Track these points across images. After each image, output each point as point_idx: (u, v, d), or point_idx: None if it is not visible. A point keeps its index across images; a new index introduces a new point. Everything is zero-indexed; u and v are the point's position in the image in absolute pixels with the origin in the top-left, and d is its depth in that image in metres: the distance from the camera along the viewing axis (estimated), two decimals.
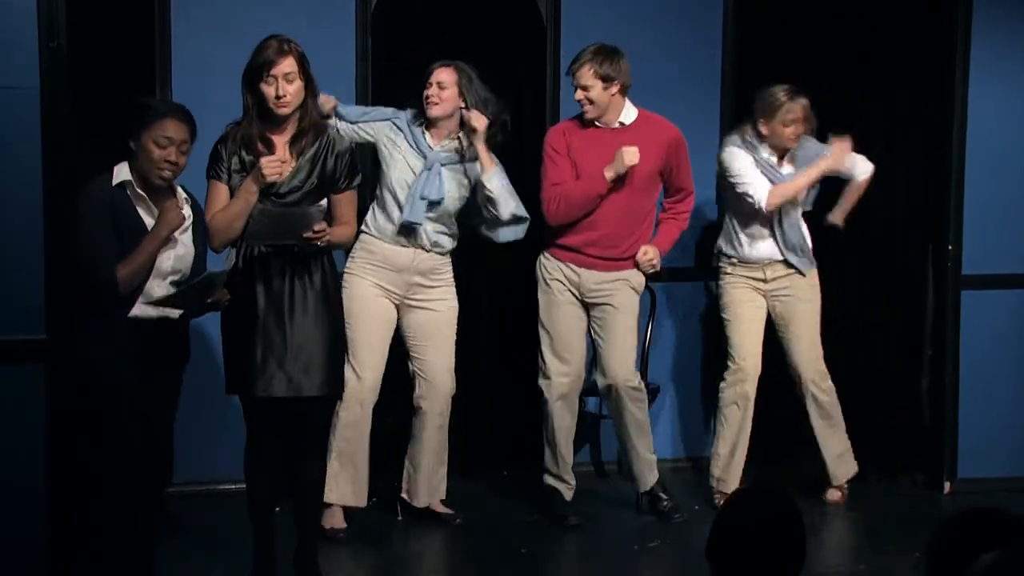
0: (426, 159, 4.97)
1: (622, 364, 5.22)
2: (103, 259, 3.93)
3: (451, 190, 5.00)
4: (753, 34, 5.97)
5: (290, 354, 4.24)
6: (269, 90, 4.21)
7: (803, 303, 5.48)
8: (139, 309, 3.99)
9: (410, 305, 5.05)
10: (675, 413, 6.09)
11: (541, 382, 5.26)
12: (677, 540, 5.12)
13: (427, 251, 5.01)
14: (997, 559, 2.22)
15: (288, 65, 4.22)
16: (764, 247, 5.42)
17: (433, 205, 4.95)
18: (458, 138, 5.02)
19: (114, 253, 3.94)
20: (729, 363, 5.45)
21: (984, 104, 5.70)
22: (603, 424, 5.96)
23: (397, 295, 5.01)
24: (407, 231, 4.96)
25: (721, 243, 5.52)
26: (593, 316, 5.26)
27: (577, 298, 5.23)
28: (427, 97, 4.96)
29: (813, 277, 5.51)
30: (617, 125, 5.18)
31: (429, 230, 4.99)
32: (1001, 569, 2.21)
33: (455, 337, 5.13)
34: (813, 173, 5.31)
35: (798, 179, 5.31)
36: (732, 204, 5.44)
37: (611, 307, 5.22)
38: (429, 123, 5.01)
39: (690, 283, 6.06)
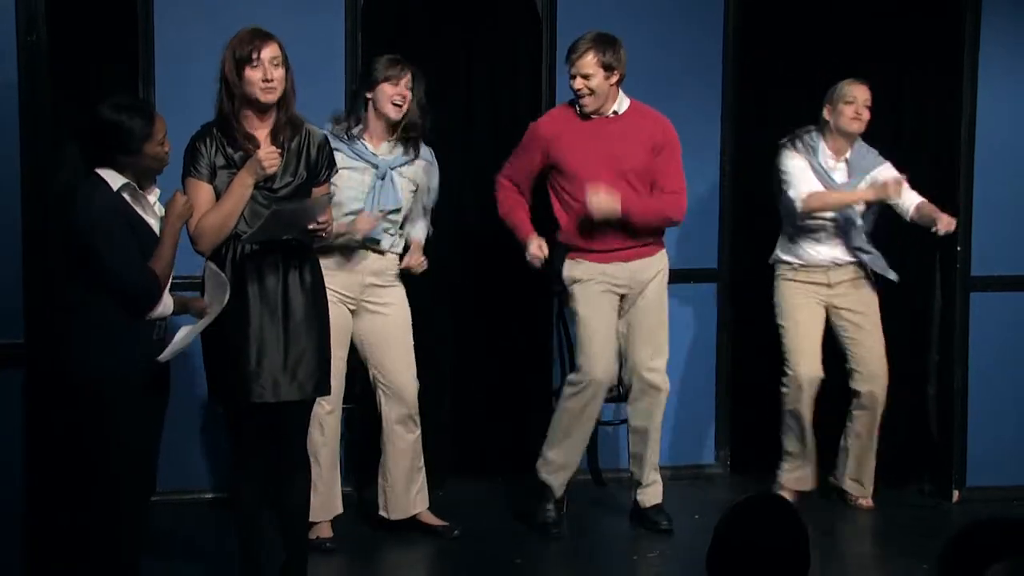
0: (377, 168, 4.86)
1: (660, 360, 5.16)
2: (138, 265, 3.89)
3: (404, 194, 4.93)
4: (756, 29, 5.89)
5: (285, 357, 4.15)
6: (255, 74, 4.11)
7: (868, 308, 5.44)
8: (158, 309, 3.95)
9: (366, 309, 4.94)
10: (675, 420, 5.96)
11: (577, 376, 5.07)
12: (677, 550, 5.05)
13: (382, 253, 4.92)
14: (1007, 571, 2.19)
15: (275, 50, 4.14)
16: (828, 251, 5.37)
17: (392, 214, 4.88)
18: (401, 139, 4.90)
19: (143, 257, 3.90)
20: (786, 369, 5.39)
21: (993, 104, 5.65)
22: (601, 431, 5.86)
23: (352, 299, 4.89)
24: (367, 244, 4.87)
25: (779, 251, 5.46)
26: (625, 309, 5.15)
27: (615, 293, 5.12)
28: (400, 101, 4.83)
29: (873, 287, 5.48)
30: (611, 114, 5.08)
31: (387, 238, 4.92)
32: None
33: (412, 339, 5.02)
34: (859, 195, 5.27)
35: (844, 195, 5.28)
36: (794, 209, 5.34)
37: (648, 299, 5.13)
38: (368, 129, 4.87)
39: (688, 283, 5.91)
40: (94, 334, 3.90)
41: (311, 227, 4.11)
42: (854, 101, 5.30)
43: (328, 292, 4.74)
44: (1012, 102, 5.65)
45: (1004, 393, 5.69)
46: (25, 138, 4.43)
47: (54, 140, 4.51)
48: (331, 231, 4.21)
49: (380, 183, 4.85)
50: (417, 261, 4.96)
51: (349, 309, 4.89)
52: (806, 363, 5.34)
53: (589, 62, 4.97)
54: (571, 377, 5.13)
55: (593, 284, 5.08)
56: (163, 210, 4.03)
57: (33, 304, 4.45)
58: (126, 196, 3.90)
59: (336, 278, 4.80)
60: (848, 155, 5.37)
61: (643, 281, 5.12)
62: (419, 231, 5.05)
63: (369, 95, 4.84)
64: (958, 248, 5.65)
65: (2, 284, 4.42)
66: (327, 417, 4.86)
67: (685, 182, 5.16)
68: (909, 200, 5.36)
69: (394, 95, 4.83)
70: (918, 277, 5.84)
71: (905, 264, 5.85)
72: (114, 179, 3.89)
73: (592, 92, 4.98)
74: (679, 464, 5.94)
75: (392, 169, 4.88)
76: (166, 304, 3.98)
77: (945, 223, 5.24)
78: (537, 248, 5.03)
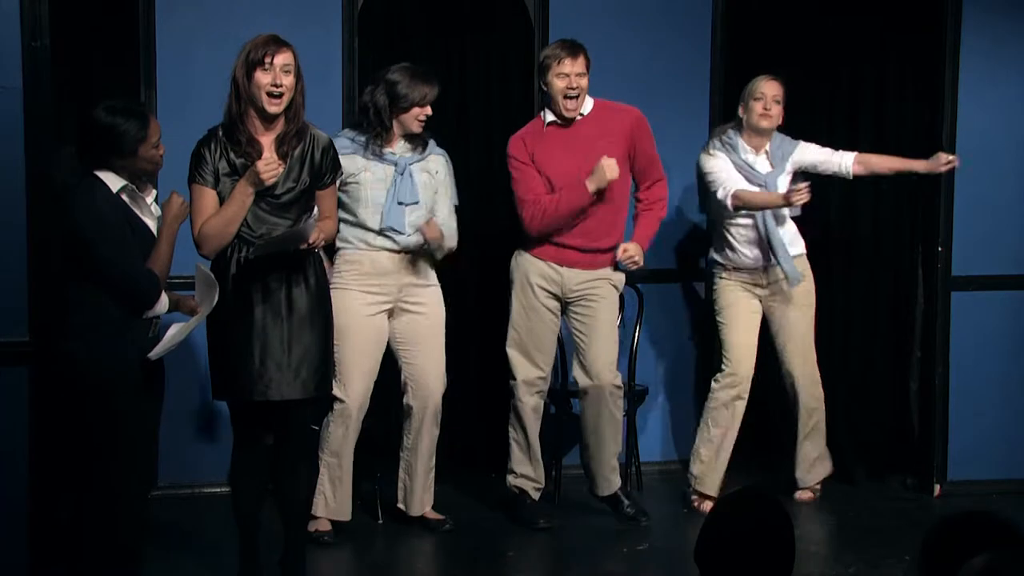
0: (396, 165, 4.93)
1: (608, 362, 5.20)
2: (139, 265, 3.94)
3: (423, 188, 4.98)
4: (742, 34, 5.98)
5: (288, 356, 4.22)
6: (265, 77, 4.16)
7: (798, 308, 5.46)
8: (156, 308, 4.00)
9: (403, 308, 5.01)
10: (663, 416, 6.06)
11: (514, 383, 5.21)
12: (665, 543, 5.12)
13: (412, 253, 4.98)
14: (987, 563, 2.22)
15: (288, 57, 4.20)
16: (759, 252, 5.39)
17: (411, 207, 4.94)
18: (411, 135, 4.95)
19: (143, 257, 3.95)
20: (723, 366, 5.42)
21: (973, 106, 5.71)
22: None
23: (390, 300, 4.97)
24: (389, 237, 4.93)
25: (713, 252, 5.49)
26: (573, 314, 5.23)
27: (556, 298, 5.19)
28: (424, 118, 4.90)
29: (809, 283, 5.49)
30: (577, 117, 5.12)
31: (411, 237, 4.96)
32: (991, 573, 2.20)
33: (444, 340, 5.11)
34: (777, 199, 5.26)
35: (767, 197, 5.27)
36: (720, 211, 5.39)
37: (594, 305, 5.18)
38: (385, 134, 4.91)
39: (678, 284, 6.03)
40: (94, 331, 3.95)
41: (303, 248, 4.21)
42: (762, 98, 5.30)
43: (366, 297, 4.88)
44: (991, 103, 5.71)
45: (984, 390, 5.77)
46: (29, 141, 4.47)
47: (57, 143, 4.58)
48: (320, 246, 4.30)
49: (400, 178, 4.91)
50: (433, 232, 4.90)
51: (386, 311, 4.97)
52: (745, 361, 5.38)
53: (582, 63, 5.01)
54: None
55: (527, 285, 5.14)
56: (159, 211, 4.09)
57: (38, 303, 4.49)
58: (124, 198, 3.95)
59: (374, 282, 4.91)
60: (768, 147, 5.40)
61: (584, 287, 5.16)
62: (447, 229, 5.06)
63: (403, 116, 4.88)
64: (939, 248, 5.73)
65: (7, 283, 4.46)
66: (353, 419, 4.94)
67: (660, 164, 5.22)
68: (842, 161, 5.38)
69: (421, 114, 4.89)
70: (901, 277, 5.93)
71: (888, 264, 5.96)
72: (113, 181, 3.94)
73: (581, 93, 5.04)
74: (664, 460, 6.04)
75: (410, 165, 4.94)
76: (163, 303, 4.04)
77: (944, 162, 5.32)
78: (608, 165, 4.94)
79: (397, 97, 4.86)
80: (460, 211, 5.14)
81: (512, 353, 5.22)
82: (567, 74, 5.01)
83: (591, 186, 4.98)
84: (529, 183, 5.10)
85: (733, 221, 5.37)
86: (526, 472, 5.29)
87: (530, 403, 5.22)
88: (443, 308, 5.09)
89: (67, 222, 3.95)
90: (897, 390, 5.98)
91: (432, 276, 5.07)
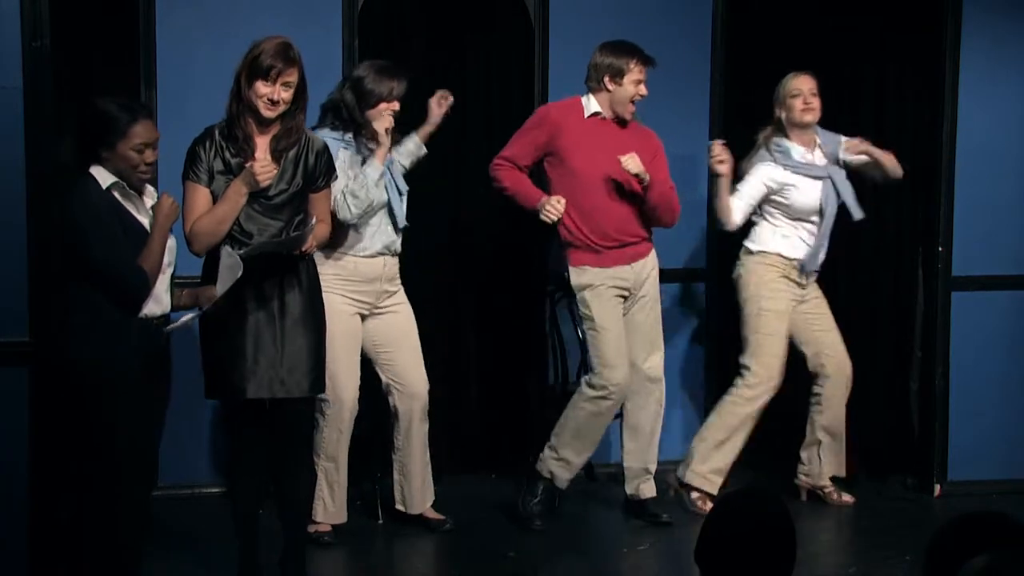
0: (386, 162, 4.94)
1: (658, 355, 5.26)
2: (128, 262, 3.93)
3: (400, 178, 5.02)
4: (742, 35, 5.99)
5: (281, 355, 4.24)
6: (265, 88, 4.19)
7: (824, 302, 5.52)
8: (149, 308, 3.99)
9: (376, 313, 5.00)
10: (669, 417, 6.02)
11: (600, 379, 5.11)
12: (667, 543, 5.13)
13: (394, 255, 4.99)
14: (987, 563, 2.22)
15: (293, 75, 4.21)
16: (813, 252, 5.43)
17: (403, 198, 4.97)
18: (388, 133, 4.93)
19: (133, 254, 3.93)
20: (754, 368, 5.34)
21: (974, 106, 5.72)
22: None
23: (368, 305, 4.97)
24: (393, 238, 4.94)
25: (766, 243, 5.42)
26: (626, 308, 5.24)
27: (621, 295, 5.21)
28: (395, 112, 4.86)
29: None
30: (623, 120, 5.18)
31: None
32: (991, 572, 2.20)
33: (418, 337, 5.10)
34: (723, 189, 5.30)
35: (720, 194, 5.30)
36: (785, 209, 5.40)
37: (646, 299, 5.24)
38: (364, 132, 4.88)
39: (679, 284, 6.02)
40: (95, 331, 3.95)
41: (296, 253, 4.23)
42: (800, 93, 5.31)
43: (348, 302, 4.87)
44: (992, 103, 5.72)
45: (984, 389, 5.77)
46: (30, 141, 4.45)
47: (59, 136, 4.58)
48: (312, 251, 4.32)
49: (389, 175, 4.91)
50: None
51: (362, 315, 4.97)
52: (779, 370, 5.34)
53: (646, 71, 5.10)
54: (592, 380, 5.14)
55: (603, 289, 5.14)
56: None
57: (39, 303, 4.49)
58: (116, 194, 3.94)
59: (356, 287, 4.90)
60: (819, 141, 5.42)
61: (642, 281, 5.22)
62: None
63: (371, 112, 4.83)
64: (940, 249, 5.74)
65: (7, 283, 4.44)
66: (346, 421, 4.93)
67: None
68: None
69: (388, 109, 4.85)
70: (901, 277, 5.94)
71: (888, 264, 5.97)
72: (104, 177, 3.94)
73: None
74: (668, 459, 6.02)
75: (393, 158, 4.95)
76: (162, 303, 4.03)
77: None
78: (556, 201, 5.04)
79: (363, 93, 4.83)
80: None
81: (605, 350, 5.10)
82: (642, 81, 5.08)
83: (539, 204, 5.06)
84: (518, 149, 5.15)
85: (805, 220, 5.37)
86: (568, 457, 5.21)
87: (617, 399, 5.15)
88: (410, 306, 5.07)
89: (62, 218, 3.95)
90: (897, 390, 5.99)
91: (398, 276, 5.05)
